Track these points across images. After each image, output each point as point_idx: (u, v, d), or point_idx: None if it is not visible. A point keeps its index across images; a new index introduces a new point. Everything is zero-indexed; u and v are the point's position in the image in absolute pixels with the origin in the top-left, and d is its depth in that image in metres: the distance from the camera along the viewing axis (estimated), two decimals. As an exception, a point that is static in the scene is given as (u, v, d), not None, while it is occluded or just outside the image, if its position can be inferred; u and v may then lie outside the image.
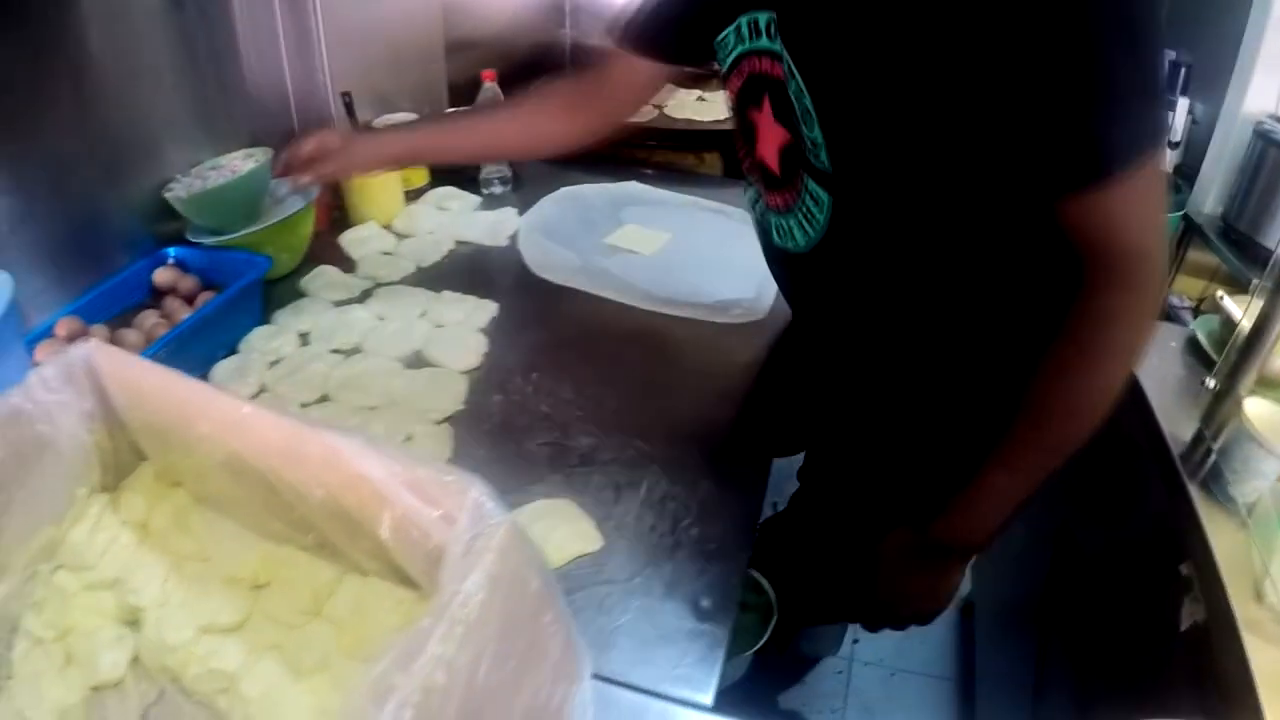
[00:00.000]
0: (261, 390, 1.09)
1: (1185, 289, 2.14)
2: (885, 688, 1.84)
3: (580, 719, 0.63)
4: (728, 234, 1.59)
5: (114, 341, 1.06)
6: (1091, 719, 1.16)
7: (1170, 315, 1.76)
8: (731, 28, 0.85)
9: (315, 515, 0.72)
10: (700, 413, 1.08)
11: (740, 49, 0.85)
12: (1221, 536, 0.94)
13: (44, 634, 0.75)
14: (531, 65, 2.27)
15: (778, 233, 0.95)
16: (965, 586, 2.02)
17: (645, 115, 2.01)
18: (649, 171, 1.85)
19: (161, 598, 0.79)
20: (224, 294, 1.14)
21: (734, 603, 0.82)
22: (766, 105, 0.85)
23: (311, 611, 0.76)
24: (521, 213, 1.60)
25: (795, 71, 0.77)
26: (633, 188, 1.75)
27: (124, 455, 0.84)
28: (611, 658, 0.76)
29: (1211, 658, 0.66)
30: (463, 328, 1.22)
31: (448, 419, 1.05)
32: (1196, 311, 1.68)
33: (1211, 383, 1.19)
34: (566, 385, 1.12)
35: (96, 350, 0.80)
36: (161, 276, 1.23)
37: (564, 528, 0.88)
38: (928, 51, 0.68)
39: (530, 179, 1.75)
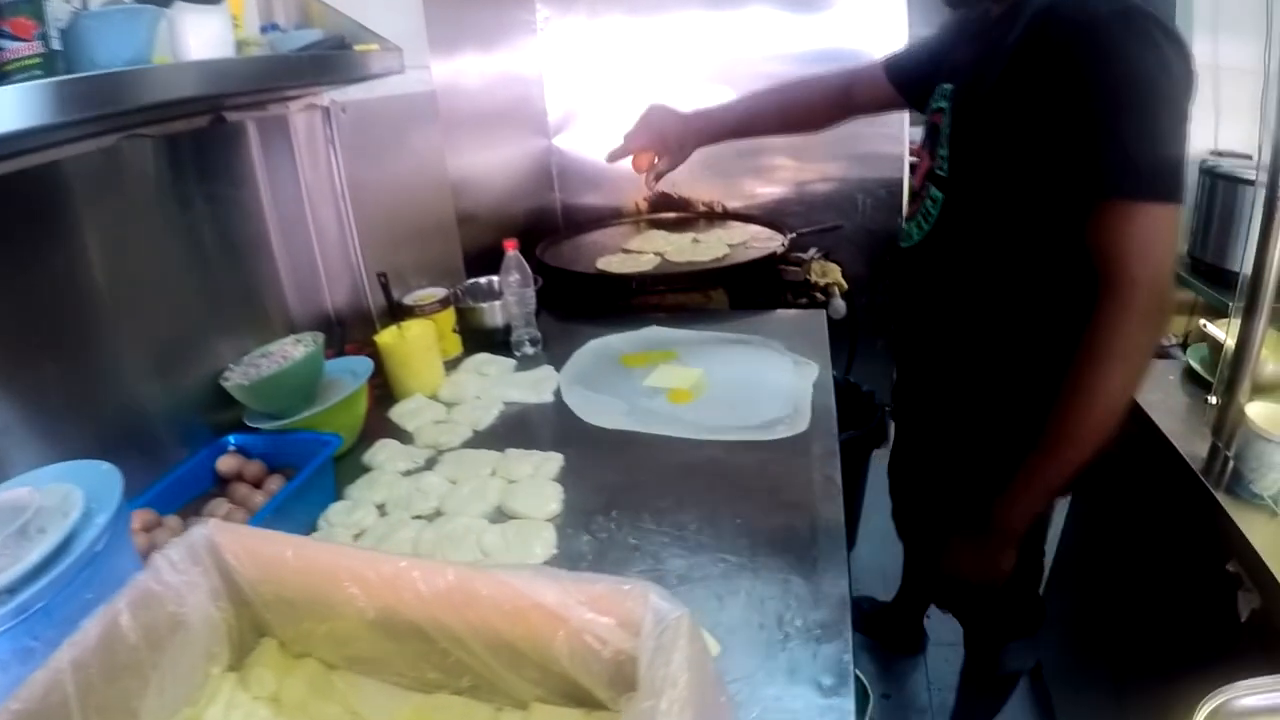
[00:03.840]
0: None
1: (1170, 328, 2.20)
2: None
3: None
4: (753, 361, 1.68)
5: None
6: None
7: (1161, 354, 1.84)
8: (935, 94, 1.23)
9: (474, 657, 0.72)
10: (772, 521, 1.13)
11: (933, 106, 1.22)
12: (1256, 530, 1.05)
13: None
14: (529, 229, 2.39)
15: (903, 237, 1.30)
16: (1029, 660, 2.00)
17: (649, 263, 2.11)
18: (662, 314, 1.94)
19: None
20: (303, 473, 1.16)
21: (851, 676, 0.86)
22: (927, 142, 1.24)
23: (471, 754, 0.75)
24: (558, 369, 1.66)
25: (949, 113, 1.15)
26: (654, 331, 1.84)
27: (247, 633, 0.83)
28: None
29: (1277, 635, 0.70)
30: (535, 479, 1.24)
31: (545, 564, 1.06)
32: (1184, 346, 1.77)
33: (1213, 399, 1.31)
34: (646, 517, 1.15)
35: (218, 528, 0.80)
36: (225, 464, 1.23)
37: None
38: (1021, 100, 1.01)
39: (556, 337, 1.82)
